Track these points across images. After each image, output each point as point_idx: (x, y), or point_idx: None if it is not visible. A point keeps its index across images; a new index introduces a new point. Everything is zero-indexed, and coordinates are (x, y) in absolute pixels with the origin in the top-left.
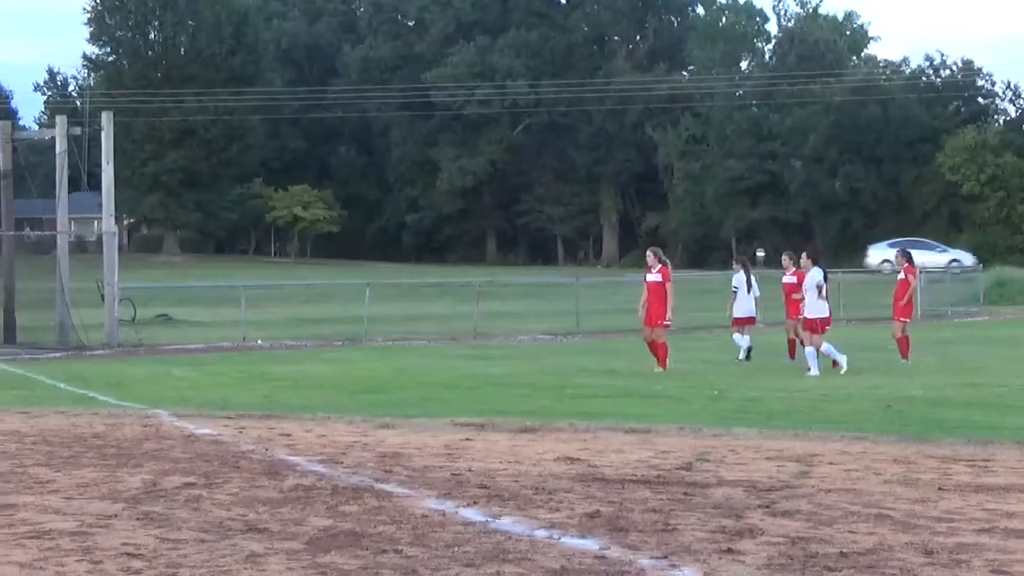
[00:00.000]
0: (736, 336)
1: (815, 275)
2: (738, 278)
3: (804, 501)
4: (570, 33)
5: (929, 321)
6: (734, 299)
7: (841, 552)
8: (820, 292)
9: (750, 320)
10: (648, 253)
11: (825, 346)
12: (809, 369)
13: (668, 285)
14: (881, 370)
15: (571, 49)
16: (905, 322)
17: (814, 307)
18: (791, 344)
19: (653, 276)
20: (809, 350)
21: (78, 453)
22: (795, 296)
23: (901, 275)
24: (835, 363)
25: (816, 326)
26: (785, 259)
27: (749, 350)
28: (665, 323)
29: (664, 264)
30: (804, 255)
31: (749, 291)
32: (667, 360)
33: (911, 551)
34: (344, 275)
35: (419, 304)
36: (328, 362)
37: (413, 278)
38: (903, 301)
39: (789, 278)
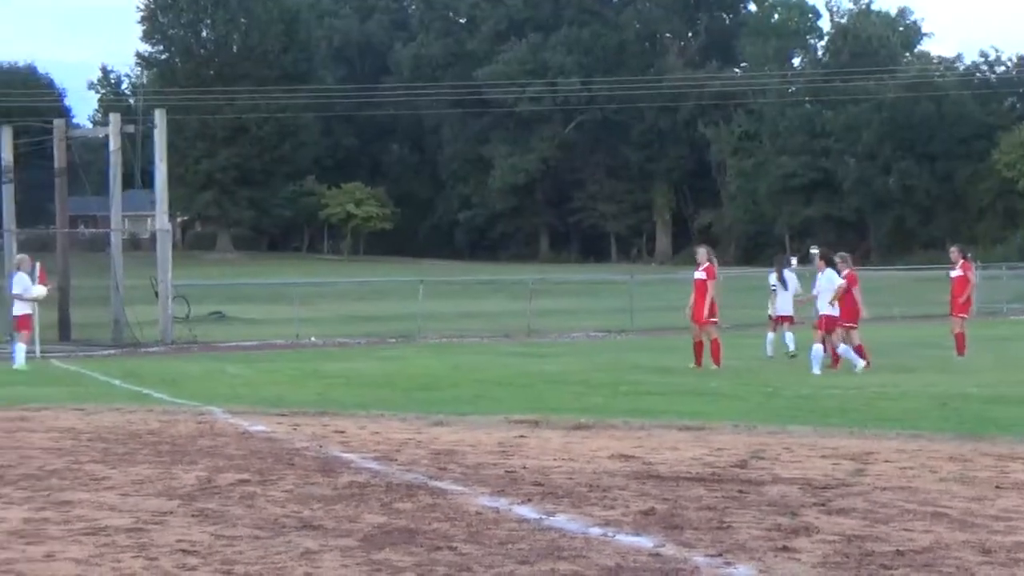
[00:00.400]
0: (769, 335)
1: (832, 276)
2: (774, 277)
3: (860, 499)
4: (622, 30)
5: (984, 318)
6: (773, 298)
7: (897, 550)
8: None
9: (788, 319)
10: (700, 250)
11: (816, 348)
12: (854, 366)
13: (711, 283)
14: (936, 368)
15: (623, 46)
16: (963, 318)
17: (829, 306)
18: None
19: (699, 274)
20: (842, 348)
21: (133, 450)
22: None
23: (958, 272)
24: (813, 365)
25: (832, 324)
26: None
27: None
28: (713, 320)
29: (711, 263)
30: (818, 256)
31: (787, 289)
32: (720, 357)
33: (968, 549)
34: (397, 272)
35: (472, 301)
36: (381, 359)
37: (466, 275)
38: (962, 298)
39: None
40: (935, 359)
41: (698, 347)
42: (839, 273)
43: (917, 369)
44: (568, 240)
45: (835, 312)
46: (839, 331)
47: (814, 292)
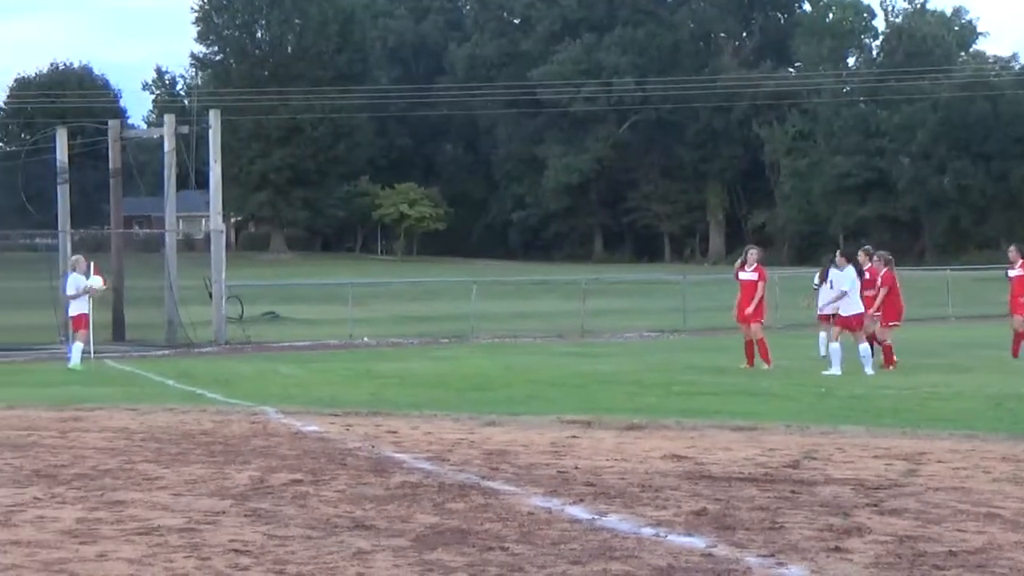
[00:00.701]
0: (823, 334)
1: (851, 273)
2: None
3: (912, 499)
4: (676, 30)
5: None
6: (816, 296)
7: (950, 551)
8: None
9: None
10: (753, 250)
11: (835, 346)
12: (830, 365)
13: (761, 284)
14: (991, 368)
15: (677, 46)
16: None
17: (852, 304)
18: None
19: (748, 274)
20: (832, 345)
21: (186, 450)
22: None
23: (1017, 271)
24: (831, 363)
25: (855, 323)
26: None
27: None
28: (758, 320)
29: (760, 263)
30: (838, 253)
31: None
32: (769, 355)
33: (1021, 550)
34: (450, 273)
35: (525, 302)
36: (434, 359)
37: (519, 276)
38: (1023, 297)
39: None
40: (990, 359)
41: (749, 347)
42: (860, 274)
43: (972, 369)
44: (622, 240)
45: (856, 311)
46: (834, 328)
47: (839, 290)
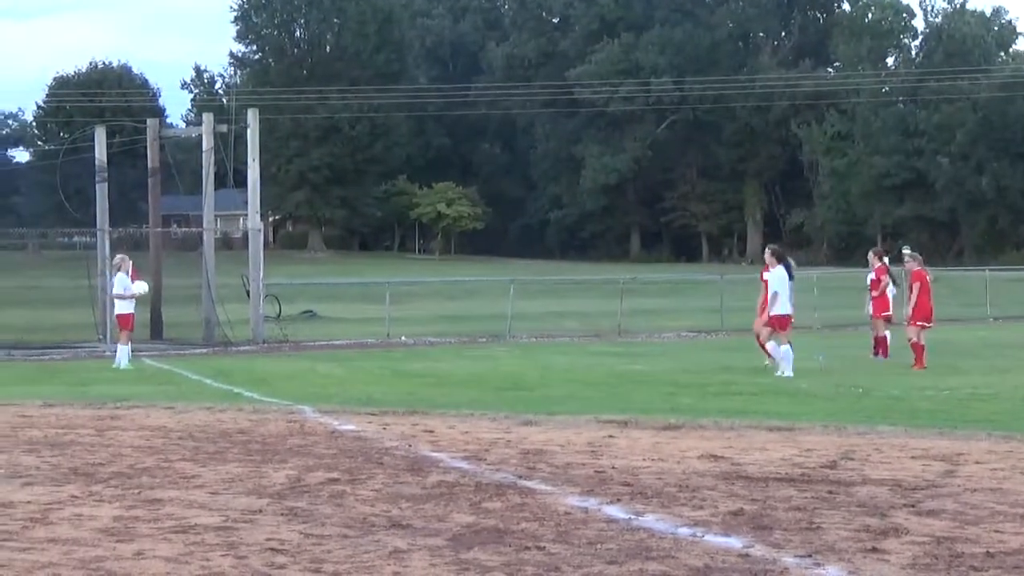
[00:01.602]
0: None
1: (780, 273)
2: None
3: (950, 500)
4: (715, 30)
5: None
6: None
7: (987, 552)
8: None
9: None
10: (766, 252)
11: (785, 348)
12: (777, 366)
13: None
14: None
15: (716, 46)
16: None
17: (781, 305)
18: (880, 341)
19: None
20: (781, 348)
21: (223, 448)
22: (874, 293)
23: None
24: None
25: (776, 324)
26: (871, 256)
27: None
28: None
29: (784, 263)
30: (767, 250)
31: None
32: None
33: None
34: (488, 272)
35: (563, 301)
36: (472, 359)
37: (557, 275)
38: None
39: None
40: None
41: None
42: (791, 274)
43: (1010, 370)
44: (659, 240)
45: (783, 312)
46: (766, 329)
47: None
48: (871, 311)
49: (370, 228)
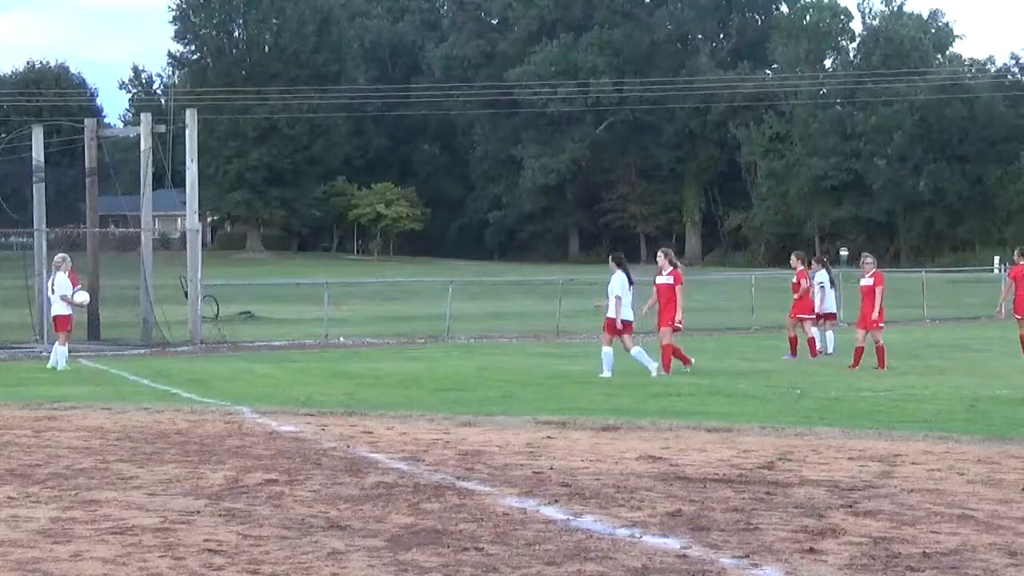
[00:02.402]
0: (829, 332)
1: (621, 278)
2: (821, 275)
3: (887, 501)
4: (653, 31)
5: (1012, 320)
6: (822, 295)
7: (924, 552)
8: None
9: (831, 316)
10: (659, 255)
11: (607, 350)
12: (647, 368)
13: (679, 288)
14: (965, 370)
15: (654, 47)
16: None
17: (623, 309)
18: (792, 341)
19: (664, 279)
20: (607, 351)
21: (161, 449)
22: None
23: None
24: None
25: (612, 327)
26: (793, 259)
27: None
28: (676, 325)
29: (675, 267)
30: (611, 258)
31: (832, 287)
32: (671, 364)
33: (995, 552)
34: (426, 273)
35: (501, 302)
36: (410, 360)
37: (496, 276)
38: None
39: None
40: (964, 361)
41: (663, 348)
42: (631, 280)
43: (946, 371)
44: (598, 241)
45: (623, 317)
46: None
47: (613, 295)
48: (790, 312)
49: (309, 229)
